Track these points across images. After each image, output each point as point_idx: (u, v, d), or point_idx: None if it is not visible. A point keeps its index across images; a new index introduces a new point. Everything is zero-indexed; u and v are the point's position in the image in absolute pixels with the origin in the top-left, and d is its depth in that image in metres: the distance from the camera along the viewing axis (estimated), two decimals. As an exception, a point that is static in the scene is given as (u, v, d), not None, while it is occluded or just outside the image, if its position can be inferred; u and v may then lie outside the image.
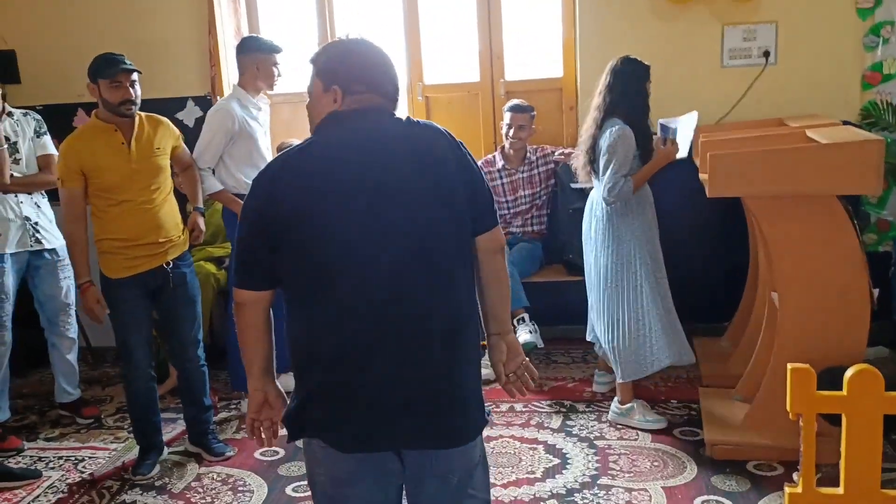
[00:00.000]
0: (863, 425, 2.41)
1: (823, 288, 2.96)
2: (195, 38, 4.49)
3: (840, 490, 2.47)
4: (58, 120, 4.28)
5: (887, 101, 4.05)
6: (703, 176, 3.22)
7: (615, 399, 3.50)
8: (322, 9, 4.58)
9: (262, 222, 1.70)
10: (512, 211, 4.29)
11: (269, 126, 3.83)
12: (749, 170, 2.88)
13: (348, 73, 1.76)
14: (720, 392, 3.54)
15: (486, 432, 3.36)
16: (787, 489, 2.54)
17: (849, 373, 2.41)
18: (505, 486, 3.01)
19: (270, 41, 3.68)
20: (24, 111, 3.69)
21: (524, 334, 3.83)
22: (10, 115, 3.53)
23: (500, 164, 4.26)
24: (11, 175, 3.44)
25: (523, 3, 4.50)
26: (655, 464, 3.11)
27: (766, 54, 4.12)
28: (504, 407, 3.68)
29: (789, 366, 2.45)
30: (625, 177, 3.26)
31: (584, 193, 4.05)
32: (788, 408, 2.46)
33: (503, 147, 4.26)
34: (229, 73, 4.49)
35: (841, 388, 2.43)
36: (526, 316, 3.92)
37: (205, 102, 4.54)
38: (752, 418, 3.12)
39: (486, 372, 1.99)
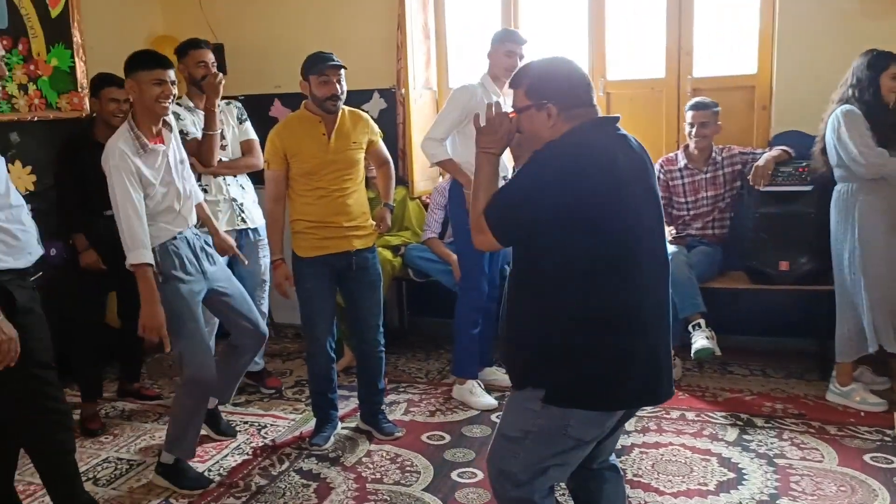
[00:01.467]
0: None
1: None
2: (384, 34, 4.66)
3: None
4: (256, 109, 4.58)
5: None
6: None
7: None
8: (507, 4, 4.62)
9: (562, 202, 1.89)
10: (692, 213, 4.13)
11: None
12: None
13: (559, 89, 1.99)
14: (919, 419, 3.25)
15: (655, 438, 3.30)
16: None
17: None
18: (675, 494, 2.90)
19: (504, 32, 3.75)
20: (226, 101, 3.96)
21: (700, 340, 3.69)
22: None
23: (682, 162, 4.11)
24: (219, 160, 3.72)
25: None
26: (843, 489, 2.89)
27: None
28: (675, 414, 3.56)
29: None
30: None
31: (771, 196, 3.85)
32: None
33: (686, 146, 4.11)
34: (415, 66, 4.62)
35: None
36: (702, 321, 3.76)
37: (389, 95, 4.70)
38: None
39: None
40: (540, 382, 1.98)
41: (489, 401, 3.79)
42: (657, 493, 2.91)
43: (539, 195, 1.90)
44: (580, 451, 2.03)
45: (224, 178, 3.80)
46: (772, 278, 3.90)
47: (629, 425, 3.44)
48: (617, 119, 2.05)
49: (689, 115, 4.02)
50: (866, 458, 3.11)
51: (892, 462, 3.04)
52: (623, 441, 3.31)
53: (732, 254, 4.09)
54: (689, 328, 3.80)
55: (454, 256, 4.05)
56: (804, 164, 3.83)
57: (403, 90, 4.56)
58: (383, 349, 3.49)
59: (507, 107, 2.17)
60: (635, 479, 3.01)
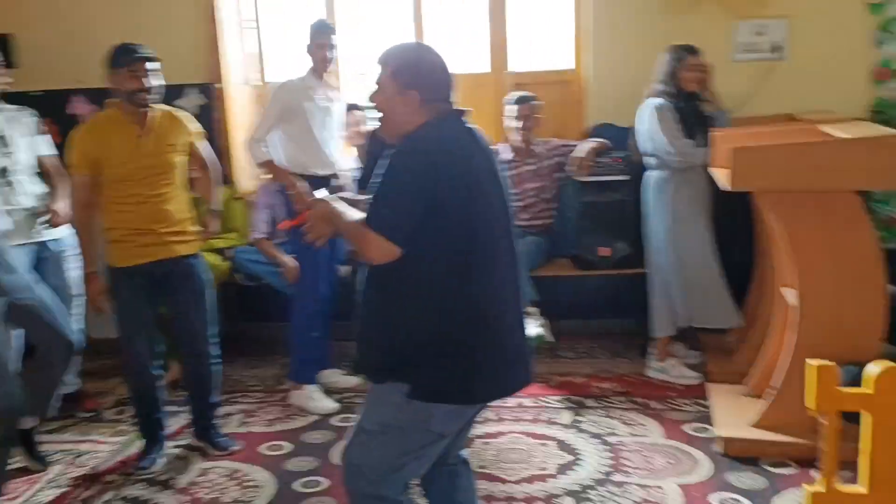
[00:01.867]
0: (888, 423, 2.38)
1: (841, 284, 2.93)
2: (196, 24, 4.39)
3: (863, 489, 2.45)
4: (53, 105, 4.20)
5: (898, 98, 4.05)
6: (719, 171, 3.20)
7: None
8: (328, -3, 4.51)
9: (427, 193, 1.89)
10: (518, 205, 4.24)
11: (339, 118, 3.80)
12: (772, 164, 2.85)
13: (424, 79, 1.99)
14: (728, 388, 3.52)
15: (495, 427, 3.35)
16: (807, 488, 2.51)
17: (875, 370, 2.38)
18: (518, 482, 2.97)
19: (315, 24, 3.62)
20: (19, 107, 3.52)
21: (533, 328, 3.79)
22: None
23: (507, 155, 4.20)
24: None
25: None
26: (669, 461, 3.08)
27: (777, 49, 4.10)
28: (512, 402, 3.64)
29: (812, 362, 2.42)
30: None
31: (592, 186, 4.02)
32: (809, 404, 2.43)
33: (509, 139, 4.21)
34: (230, 60, 4.41)
35: (858, 385, 2.41)
36: (534, 310, 3.87)
37: (206, 90, 4.46)
38: (768, 415, 3.09)
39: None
40: (403, 377, 1.95)
41: (330, 405, 3.70)
42: (501, 483, 2.97)
43: (422, 184, 1.89)
44: (439, 445, 2.06)
45: (16, 185, 3.40)
46: (594, 264, 4.09)
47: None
48: (465, 112, 2.05)
49: (512, 109, 4.12)
50: (687, 428, 3.33)
51: (709, 430, 3.28)
52: (465, 434, 3.34)
53: (559, 243, 4.25)
54: (522, 317, 3.90)
55: (284, 258, 3.91)
56: (621, 154, 4.04)
57: (219, 85, 4.33)
58: (217, 361, 3.30)
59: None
60: (480, 470, 3.03)
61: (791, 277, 3.07)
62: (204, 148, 3.30)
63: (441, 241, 1.92)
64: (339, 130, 3.84)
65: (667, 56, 3.73)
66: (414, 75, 1.99)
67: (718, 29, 4.13)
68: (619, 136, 4.07)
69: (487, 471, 3.05)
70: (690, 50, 3.71)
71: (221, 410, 3.62)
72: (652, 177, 3.80)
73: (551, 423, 3.45)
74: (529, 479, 2.98)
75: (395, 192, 1.92)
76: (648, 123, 3.71)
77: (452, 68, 2.05)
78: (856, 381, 2.78)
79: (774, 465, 2.99)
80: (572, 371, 4.03)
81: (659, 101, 3.69)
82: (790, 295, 3.09)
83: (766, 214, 3.25)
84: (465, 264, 1.94)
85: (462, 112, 2.06)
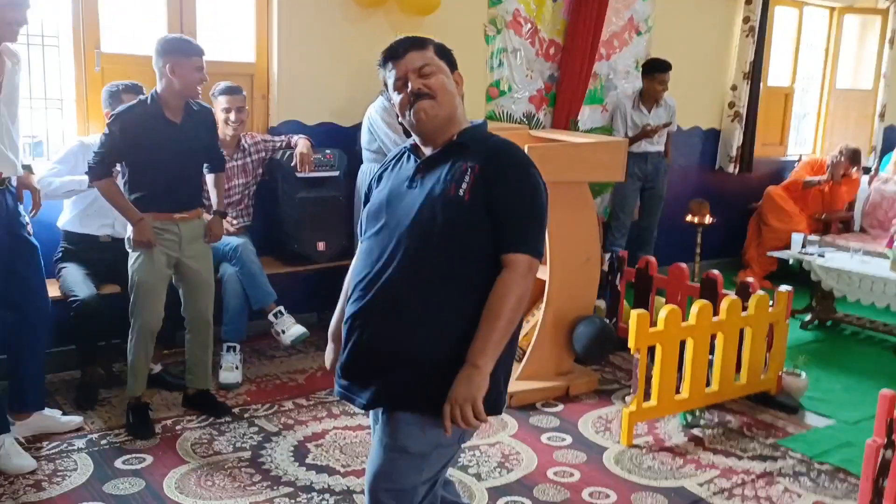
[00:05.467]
0: (670, 350, 3.31)
1: (575, 256, 3.78)
2: None
3: (654, 402, 3.34)
4: None
5: (503, 111, 5.13)
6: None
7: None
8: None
9: None
10: (226, 201, 4.00)
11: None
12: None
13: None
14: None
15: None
16: (624, 409, 3.30)
17: (662, 314, 3.28)
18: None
19: None
20: None
21: (293, 326, 3.79)
22: None
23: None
24: None
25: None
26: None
27: (429, 64, 4.76)
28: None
29: (633, 312, 3.20)
30: None
31: (306, 182, 4.09)
32: (631, 345, 3.21)
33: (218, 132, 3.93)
34: None
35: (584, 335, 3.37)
36: (283, 308, 3.80)
37: None
38: (529, 367, 3.76)
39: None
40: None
41: (28, 462, 2.95)
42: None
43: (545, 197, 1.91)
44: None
45: None
46: (312, 258, 4.17)
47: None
48: None
49: (221, 101, 3.88)
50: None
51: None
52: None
53: (274, 239, 4.17)
54: (272, 317, 3.78)
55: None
56: (329, 151, 4.19)
57: None
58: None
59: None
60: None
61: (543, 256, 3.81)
62: None
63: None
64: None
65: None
66: (453, 58, 1.98)
67: (385, 41, 4.55)
68: (308, 133, 4.23)
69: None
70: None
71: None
72: (365, 169, 4.13)
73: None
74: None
75: (544, 211, 1.90)
76: (372, 123, 4.01)
77: None
78: (588, 331, 3.70)
79: (547, 406, 3.67)
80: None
81: (380, 101, 4.05)
82: (542, 270, 3.82)
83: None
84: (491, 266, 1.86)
85: None
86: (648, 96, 5.34)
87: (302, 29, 4.33)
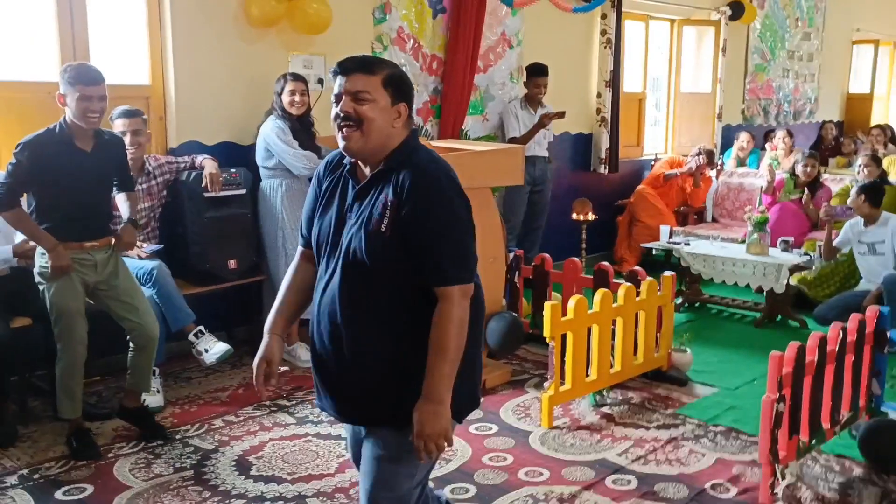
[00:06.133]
0: (580, 337, 3.63)
1: (484, 257, 4.01)
2: None
3: (569, 386, 3.65)
4: None
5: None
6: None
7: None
8: None
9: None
10: (134, 225, 3.96)
11: None
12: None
13: (410, 93, 2.02)
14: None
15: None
16: (544, 394, 3.58)
17: (571, 303, 3.59)
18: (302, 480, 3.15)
19: None
20: None
21: (216, 344, 3.80)
22: None
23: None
24: None
25: (107, 2, 4.13)
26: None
27: (321, 81, 4.89)
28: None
29: (547, 304, 3.48)
30: None
31: (213, 201, 4.12)
32: (546, 334, 3.49)
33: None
34: None
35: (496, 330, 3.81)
36: (203, 327, 3.81)
37: None
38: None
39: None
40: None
41: None
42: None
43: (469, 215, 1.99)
44: None
45: None
46: (224, 277, 4.19)
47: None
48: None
49: (120, 124, 3.84)
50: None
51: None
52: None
53: (185, 259, 4.15)
54: (192, 337, 3.79)
55: None
56: (234, 170, 4.23)
57: None
58: None
59: None
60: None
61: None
62: None
63: None
64: None
65: (276, 84, 4.22)
66: (404, 88, 1.95)
67: (279, 60, 4.68)
68: (210, 153, 4.26)
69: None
70: (285, 77, 4.25)
71: None
72: (266, 185, 4.30)
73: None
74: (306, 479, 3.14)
75: (466, 234, 1.95)
76: (268, 140, 4.18)
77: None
78: (499, 326, 4.00)
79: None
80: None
81: (273, 119, 4.22)
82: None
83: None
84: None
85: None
86: (532, 99, 5.81)
87: (197, 50, 4.35)
